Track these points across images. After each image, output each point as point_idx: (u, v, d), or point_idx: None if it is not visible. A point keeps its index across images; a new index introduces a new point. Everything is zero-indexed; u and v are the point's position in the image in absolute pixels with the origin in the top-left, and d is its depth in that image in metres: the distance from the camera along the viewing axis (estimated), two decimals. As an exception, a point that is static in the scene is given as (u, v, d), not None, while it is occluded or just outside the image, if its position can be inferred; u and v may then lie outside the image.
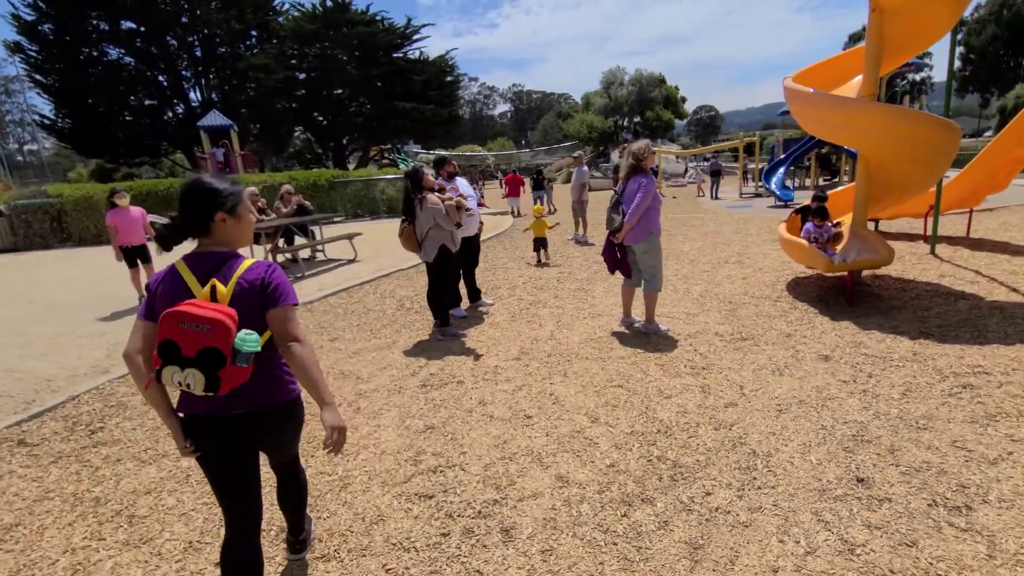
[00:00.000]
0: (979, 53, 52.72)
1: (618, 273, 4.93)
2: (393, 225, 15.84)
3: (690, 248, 8.99)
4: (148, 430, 3.44)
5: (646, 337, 4.65)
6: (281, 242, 8.97)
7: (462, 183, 5.76)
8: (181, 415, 1.70)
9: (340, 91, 34.47)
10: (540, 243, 8.43)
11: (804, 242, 5.73)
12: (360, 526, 2.37)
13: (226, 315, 1.53)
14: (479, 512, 2.42)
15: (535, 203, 13.47)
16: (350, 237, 9.36)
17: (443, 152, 37.40)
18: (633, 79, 48.64)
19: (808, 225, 5.75)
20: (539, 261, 8.47)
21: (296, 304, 1.72)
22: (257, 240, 8.38)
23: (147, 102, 32.09)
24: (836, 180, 22.71)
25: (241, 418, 1.69)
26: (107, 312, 6.66)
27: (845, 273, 5.58)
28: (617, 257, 4.78)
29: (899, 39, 5.42)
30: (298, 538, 2.19)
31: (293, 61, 33.06)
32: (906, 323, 4.63)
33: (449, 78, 35.90)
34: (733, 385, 3.57)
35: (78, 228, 14.48)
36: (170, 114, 32.98)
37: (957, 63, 57.30)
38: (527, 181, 18.13)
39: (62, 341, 5.55)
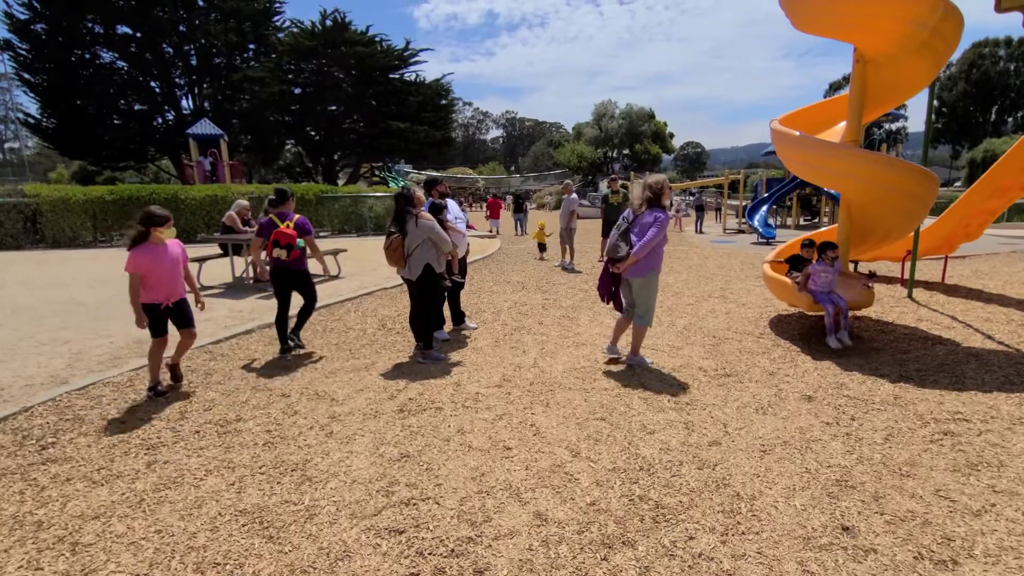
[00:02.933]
0: (950, 108, 55.42)
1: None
2: (380, 242, 15.69)
3: (675, 280, 9.04)
4: (104, 448, 3.24)
5: (630, 369, 4.59)
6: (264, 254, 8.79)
7: (452, 205, 5.73)
8: (271, 268, 4.95)
9: (334, 107, 34.66)
10: (541, 247, 12.22)
11: (788, 280, 5.78)
12: (324, 562, 2.22)
13: (294, 233, 4.80)
14: (452, 551, 2.29)
15: (516, 224, 18.47)
16: (335, 253, 9.22)
17: (434, 173, 37.65)
18: (624, 112, 49.95)
19: (817, 265, 5.29)
20: (541, 257, 11.94)
21: (313, 233, 5.07)
22: (238, 251, 8.20)
23: (137, 107, 31.80)
24: (816, 220, 23.39)
25: (291, 272, 4.94)
26: (73, 319, 6.39)
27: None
28: (612, 288, 4.66)
29: (881, 90, 5.62)
30: (297, 333, 5.20)
31: (289, 76, 33.24)
32: (886, 366, 4.66)
33: (444, 101, 36.37)
34: (717, 423, 3.51)
35: (53, 230, 14.07)
36: (160, 120, 32.69)
37: (930, 116, 60.05)
38: (506, 205, 20.10)
39: (22, 347, 5.29)
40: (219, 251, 8.51)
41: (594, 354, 5.02)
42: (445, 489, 2.76)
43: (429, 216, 4.76)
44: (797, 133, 5.79)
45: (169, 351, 4.23)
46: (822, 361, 4.82)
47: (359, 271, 9.83)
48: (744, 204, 21.80)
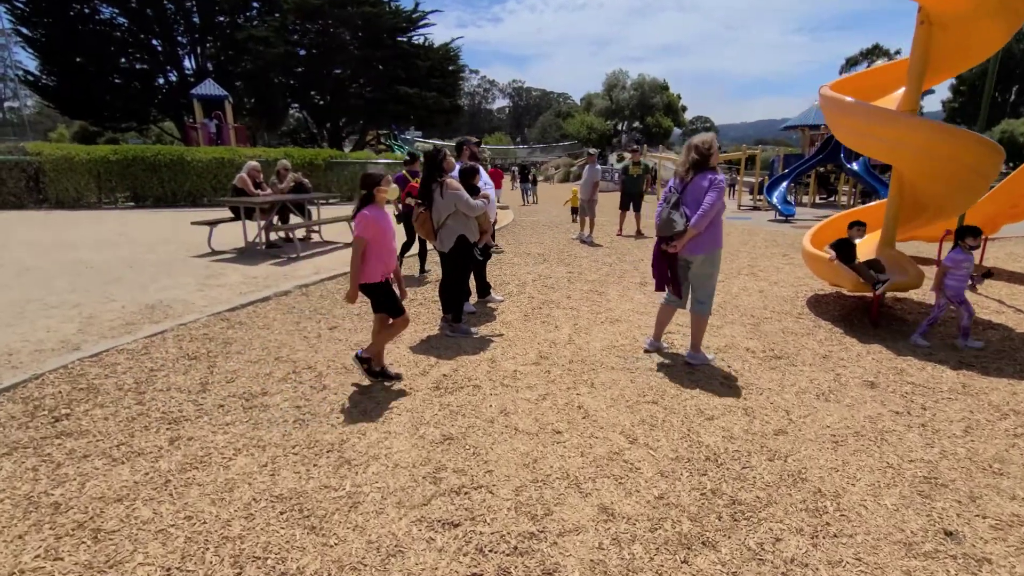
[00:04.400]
0: (969, 86, 53.60)
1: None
2: (390, 210, 15.30)
3: (700, 257, 8.72)
4: (122, 420, 3.02)
5: (668, 348, 4.33)
6: (275, 219, 8.47)
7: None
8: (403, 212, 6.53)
9: (340, 71, 33.63)
10: (574, 210, 12.49)
11: (827, 255, 5.46)
12: (375, 558, 2.00)
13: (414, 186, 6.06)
14: (515, 548, 2.06)
15: (524, 193, 19.62)
16: (350, 220, 8.88)
17: (439, 142, 36.78)
18: (635, 83, 48.51)
19: (956, 254, 4.54)
20: (573, 220, 12.57)
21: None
22: (250, 215, 7.88)
23: (138, 66, 30.86)
24: (833, 199, 22.85)
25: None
26: (81, 282, 6.13)
27: (871, 293, 5.36)
28: (667, 271, 3.92)
29: (946, 54, 5.18)
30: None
31: (295, 36, 32.13)
32: (940, 351, 4.39)
33: (453, 67, 35.24)
34: (778, 409, 3.26)
35: (56, 190, 13.72)
36: (162, 80, 31.80)
37: (947, 94, 57.97)
38: (506, 177, 22.62)
39: (30, 310, 5.05)
40: (230, 215, 8.19)
41: (631, 332, 4.76)
42: (497, 476, 2.53)
43: (456, 184, 4.42)
44: (851, 99, 5.39)
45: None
46: (871, 344, 4.56)
47: (372, 239, 9.51)
48: (759, 181, 21.29)
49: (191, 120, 22.96)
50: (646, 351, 4.22)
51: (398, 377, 3.66)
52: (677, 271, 3.92)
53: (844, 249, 5.14)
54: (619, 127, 49.03)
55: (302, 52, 32.98)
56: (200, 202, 14.78)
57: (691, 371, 3.85)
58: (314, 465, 2.60)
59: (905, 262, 5.39)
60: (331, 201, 14.19)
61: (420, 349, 4.26)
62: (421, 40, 34.45)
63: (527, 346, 4.37)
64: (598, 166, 10.57)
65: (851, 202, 17.47)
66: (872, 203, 7.43)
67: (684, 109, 52.55)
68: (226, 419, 3.05)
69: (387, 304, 3.47)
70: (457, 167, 4.79)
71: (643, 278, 6.91)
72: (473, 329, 4.71)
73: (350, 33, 32.64)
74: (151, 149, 14.86)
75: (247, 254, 7.83)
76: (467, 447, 2.79)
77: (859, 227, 5.30)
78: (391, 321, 3.55)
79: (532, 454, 2.73)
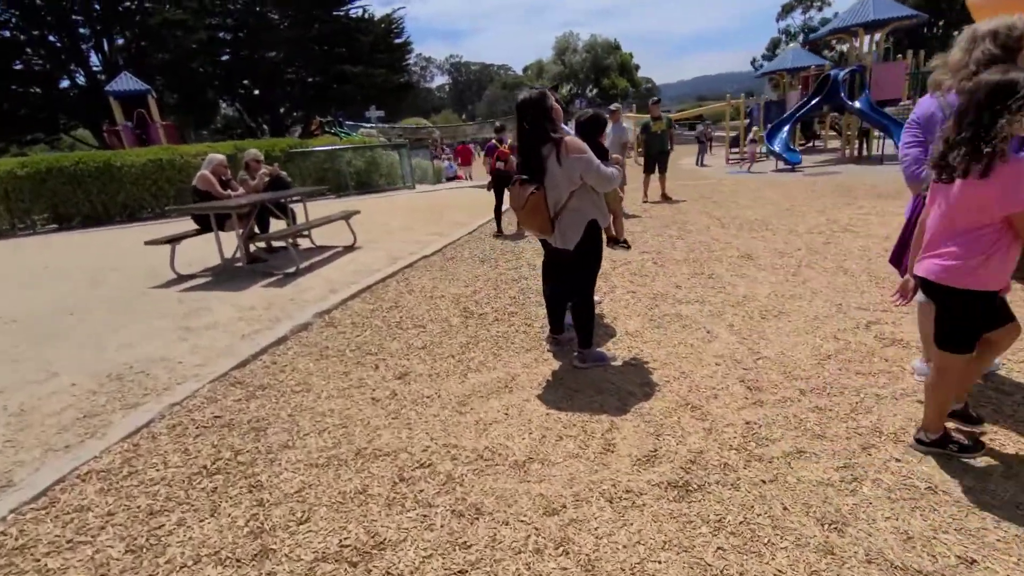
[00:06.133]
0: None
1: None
2: (365, 203, 13.28)
3: (756, 215, 7.56)
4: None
5: (905, 350, 3.08)
6: (253, 226, 6.68)
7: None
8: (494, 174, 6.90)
9: (272, 54, 30.48)
10: None
11: None
12: None
13: (508, 151, 7.40)
14: None
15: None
16: (347, 216, 7.17)
17: (383, 125, 34.19)
18: (587, 45, 46.90)
19: None
20: None
21: None
22: (223, 225, 6.08)
23: (36, 67, 26.80)
24: (813, 144, 22.36)
25: (507, 175, 6.92)
26: (3, 344, 4.30)
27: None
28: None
29: None
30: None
31: (216, 19, 28.74)
32: None
33: (399, 40, 32.62)
34: None
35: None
36: (68, 82, 27.85)
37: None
38: (476, 154, 22.30)
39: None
40: (195, 227, 6.35)
41: (818, 328, 3.47)
42: None
43: (580, 144, 2.95)
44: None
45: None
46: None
47: (373, 237, 7.87)
48: (735, 134, 20.60)
49: (109, 124, 19.91)
50: (917, 372, 2.76)
51: (979, 420, 2.27)
52: None
53: None
54: (575, 91, 47.42)
55: (227, 36, 29.64)
56: (140, 216, 12.48)
57: (990, 385, 2.61)
58: None
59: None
60: (295, 200, 12.20)
61: (557, 399, 2.82)
62: (359, 13, 31.62)
63: (705, 370, 3.01)
64: (625, 124, 9.16)
65: (844, 146, 16.86)
66: None
67: (637, 68, 51.36)
68: (339, 628, 1.56)
69: (986, 319, 1.98)
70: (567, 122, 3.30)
71: (739, 251, 5.64)
72: (609, 354, 3.31)
73: (279, 11, 29.49)
74: (69, 158, 12.31)
75: (227, 275, 6.05)
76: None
77: None
78: (991, 337, 2.02)
79: (994, 635, 1.40)
